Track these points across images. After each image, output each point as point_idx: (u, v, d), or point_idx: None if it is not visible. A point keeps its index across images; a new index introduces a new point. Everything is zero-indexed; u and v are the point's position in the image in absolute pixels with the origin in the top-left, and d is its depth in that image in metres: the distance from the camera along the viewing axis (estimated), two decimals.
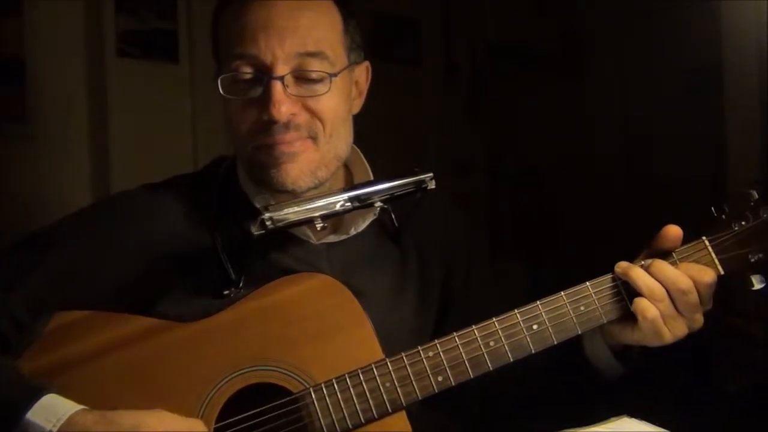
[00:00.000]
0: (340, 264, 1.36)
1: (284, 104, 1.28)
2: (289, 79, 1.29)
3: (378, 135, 1.45)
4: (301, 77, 1.31)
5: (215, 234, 1.32)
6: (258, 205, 1.32)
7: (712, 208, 1.34)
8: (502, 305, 1.32)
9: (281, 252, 1.35)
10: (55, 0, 2.19)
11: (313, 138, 1.32)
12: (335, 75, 1.33)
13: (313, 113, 1.32)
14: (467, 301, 1.47)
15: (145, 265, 1.31)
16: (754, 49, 2.33)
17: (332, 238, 1.38)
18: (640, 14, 2.70)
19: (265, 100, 1.28)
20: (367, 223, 1.39)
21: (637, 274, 1.27)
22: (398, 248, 1.43)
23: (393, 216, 1.37)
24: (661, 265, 1.27)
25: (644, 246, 1.36)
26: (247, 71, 1.30)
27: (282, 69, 1.28)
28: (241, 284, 1.29)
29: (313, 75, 1.31)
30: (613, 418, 1.21)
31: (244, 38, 1.30)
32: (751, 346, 1.84)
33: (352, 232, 1.38)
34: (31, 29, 2.14)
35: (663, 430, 1.19)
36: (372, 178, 1.41)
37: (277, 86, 1.28)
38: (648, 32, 2.68)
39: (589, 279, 1.32)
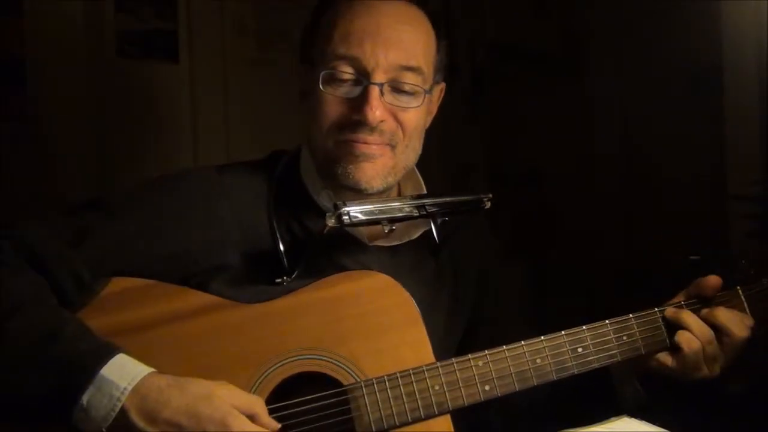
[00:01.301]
0: (387, 268, 1.40)
1: (379, 109, 1.35)
2: (386, 87, 1.36)
3: None
4: (397, 88, 1.38)
5: (274, 222, 1.36)
6: (328, 201, 1.38)
7: (743, 261, 1.45)
8: (530, 324, 1.37)
9: (336, 249, 1.39)
10: (55, 0, 2.19)
11: (392, 146, 1.39)
12: (429, 92, 1.42)
13: (399, 123, 1.39)
14: (497, 322, 1.52)
15: (204, 243, 1.35)
16: (754, 49, 2.33)
17: (383, 242, 1.42)
18: (640, 14, 2.69)
19: (361, 102, 1.35)
20: (419, 233, 1.44)
21: (689, 317, 1.37)
22: (435, 263, 1.47)
23: (435, 231, 1.40)
24: (727, 312, 1.37)
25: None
26: (348, 72, 1.37)
27: (381, 77, 1.36)
28: (294, 275, 1.33)
29: (407, 87, 1.39)
30: (613, 418, 1.22)
31: (350, 41, 1.36)
32: (751, 346, 1.84)
33: (405, 239, 1.43)
34: (31, 29, 2.14)
35: (663, 430, 1.20)
36: (425, 191, 1.48)
37: (375, 91, 1.35)
38: (648, 32, 2.68)
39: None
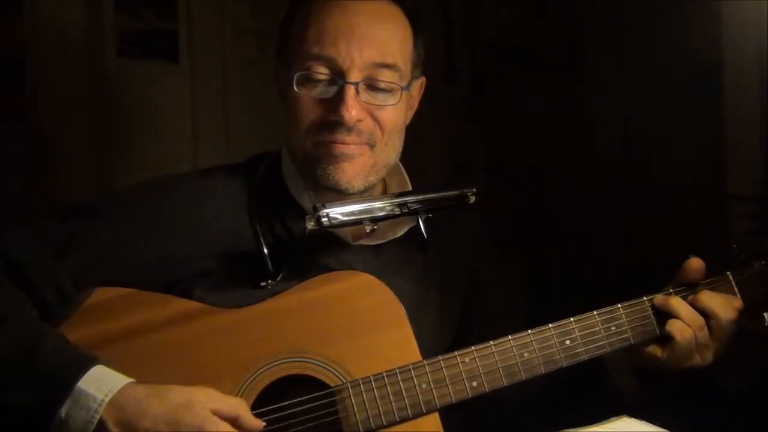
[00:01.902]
0: (373, 267, 1.39)
1: (355, 108, 1.34)
2: (361, 86, 1.35)
3: None
4: (373, 86, 1.36)
5: (256, 226, 1.35)
6: (309, 203, 1.36)
7: (734, 246, 1.43)
8: (521, 319, 1.36)
9: (320, 250, 1.39)
10: (55, 0, 2.19)
11: (371, 145, 1.37)
12: (406, 88, 1.40)
13: (377, 121, 1.37)
14: (488, 316, 1.51)
15: (187, 249, 1.34)
16: (754, 49, 2.33)
17: (367, 241, 1.41)
18: (640, 14, 2.69)
19: (337, 102, 1.34)
20: (404, 230, 1.43)
21: (679, 303, 1.35)
22: (423, 259, 1.46)
23: (422, 227, 1.40)
24: (711, 295, 1.36)
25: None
26: (323, 72, 1.35)
27: (356, 75, 1.34)
28: (278, 278, 1.32)
29: (383, 85, 1.37)
30: (613, 418, 1.22)
31: (323, 40, 1.35)
32: (751, 345, 1.84)
33: (390, 237, 1.42)
34: (31, 29, 2.14)
35: (663, 430, 1.20)
36: (410, 187, 1.46)
37: (351, 90, 1.34)
38: (648, 32, 2.68)
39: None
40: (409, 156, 1.54)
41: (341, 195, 1.36)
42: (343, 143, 1.35)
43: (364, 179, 1.38)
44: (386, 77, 1.37)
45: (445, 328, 1.47)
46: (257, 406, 1.25)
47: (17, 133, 2.14)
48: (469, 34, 3.28)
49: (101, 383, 1.15)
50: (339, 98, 1.34)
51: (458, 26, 3.28)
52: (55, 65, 2.20)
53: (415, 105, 1.50)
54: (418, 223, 1.36)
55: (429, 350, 1.34)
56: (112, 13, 2.29)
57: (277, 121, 1.50)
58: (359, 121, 1.35)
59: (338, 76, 1.34)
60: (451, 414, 1.34)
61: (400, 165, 1.49)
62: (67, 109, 2.25)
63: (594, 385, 1.41)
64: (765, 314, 1.38)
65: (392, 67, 1.37)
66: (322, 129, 1.36)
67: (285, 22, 1.44)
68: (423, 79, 1.49)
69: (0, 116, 2.11)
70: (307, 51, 1.36)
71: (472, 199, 1.37)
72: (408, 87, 1.40)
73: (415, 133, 1.53)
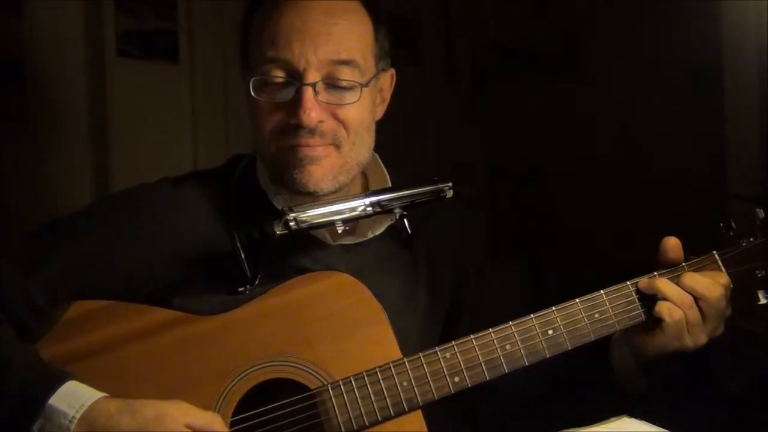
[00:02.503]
0: (354, 266, 1.37)
1: (314, 110, 1.31)
2: (320, 86, 1.32)
3: (377, 135, 1.46)
4: (332, 84, 1.33)
5: (233, 231, 1.33)
6: (279, 206, 1.34)
7: (721, 224, 1.38)
8: (511, 312, 1.34)
9: (298, 252, 1.37)
10: (55, 0, 2.19)
11: (337, 146, 1.35)
12: (365, 85, 1.35)
13: (340, 121, 1.34)
14: (477, 311, 1.49)
15: (163, 258, 1.33)
16: (754, 49, 2.33)
17: (348, 241, 1.40)
18: (640, 14, 2.70)
19: (295, 105, 1.31)
20: (384, 228, 1.41)
21: (665, 284, 1.31)
22: (410, 254, 1.45)
23: (406, 223, 1.38)
24: (693, 276, 1.32)
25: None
26: (279, 75, 1.32)
27: (314, 75, 1.31)
28: (256, 282, 1.31)
29: (344, 83, 1.33)
30: (613, 418, 1.21)
31: (277, 42, 1.32)
32: (751, 345, 1.84)
33: (369, 235, 1.41)
34: (31, 29, 2.14)
35: (663, 430, 1.19)
36: (390, 184, 1.44)
37: (309, 92, 1.30)
38: (648, 32, 2.68)
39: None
40: (409, 156, 1.53)
41: (314, 197, 1.34)
42: (307, 146, 1.32)
43: (333, 180, 1.35)
44: (344, 75, 1.33)
45: (434, 324, 1.45)
46: (238, 412, 1.24)
47: (17, 133, 2.14)
48: (469, 34, 3.28)
49: (72, 399, 1.15)
50: (297, 101, 1.31)
51: (458, 26, 3.28)
52: (55, 65, 2.20)
53: (387, 98, 1.46)
54: (402, 219, 1.35)
55: (417, 347, 1.32)
56: (112, 13, 2.28)
57: None
58: (320, 122, 1.32)
59: (294, 78, 1.31)
60: (450, 409, 1.33)
61: (379, 161, 1.47)
62: (67, 109, 2.24)
63: (598, 379, 1.39)
64: (759, 292, 1.35)
65: (350, 63, 1.33)
66: (284, 133, 1.33)
67: (243, 26, 1.42)
68: (392, 71, 1.45)
69: (0, 116, 2.11)
70: (263, 54, 1.32)
71: (449, 193, 1.34)
72: (367, 84, 1.36)
73: (415, 133, 1.53)
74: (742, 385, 1.89)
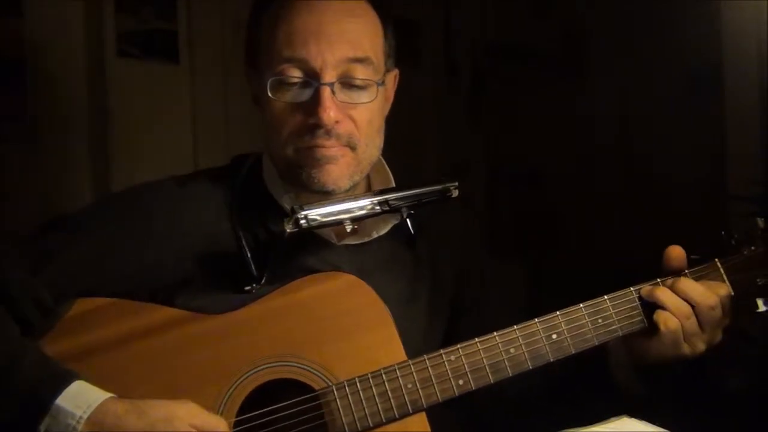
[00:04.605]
0: (358, 266, 1.38)
1: (333, 110, 1.31)
2: (336, 86, 1.32)
3: None
4: (347, 84, 1.34)
5: (238, 230, 1.34)
6: (289, 205, 1.35)
7: (723, 233, 1.40)
8: (512, 313, 1.34)
9: (303, 251, 1.37)
10: (55, 0, 2.19)
11: (352, 147, 1.35)
12: (381, 83, 1.37)
13: (355, 122, 1.35)
14: (479, 310, 1.49)
15: (169, 256, 1.33)
16: (754, 49, 2.34)
17: (353, 240, 1.40)
18: (640, 14, 2.70)
19: (314, 105, 1.32)
20: (388, 227, 1.41)
21: (664, 293, 1.32)
22: (412, 254, 1.45)
23: (409, 222, 1.38)
24: (689, 282, 1.33)
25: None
26: (296, 75, 1.33)
27: (330, 75, 1.32)
28: (262, 281, 1.31)
29: (359, 82, 1.34)
30: (613, 418, 1.21)
31: (294, 42, 1.32)
32: (750, 345, 1.84)
33: (374, 235, 1.41)
34: (31, 29, 2.14)
35: (663, 430, 1.19)
36: (393, 184, 1.44)
37: (327, 92, 1.31)
38: (648, 32, 2.68)
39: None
40: (410, 156, 1.53)
41: (325, 195, 1.35)
42: (323, 146, 1.33)
43: (350, 179, 1.36)
44: (361, 73, 1.34)
45: (437, 324, 1.45)
46: (242, 412, 1.24)
47: (17, 134, 2.14)
48: (469, 34, 3.28)
49: (79, 399, 1.15)
50: (315, 100, 1.32)
51: (458, 26, 3.28)
52: (55, 65, 2.20)
53: (391, 97, 1.47)
54: (405, 219, 1.35)
55: (420, 347, 1.33)
56: (112, 13, 2.28)
57: None
58: (337, 123, 1.33)
59: (312, 78, 1.32)
60: (450, 411, 1.33)
61: (383, 161, 1.47)
62: (67, 109, 2.24)
63: (596, 380, 1.39)
64: (758, 300, 1.36)
65: (365, 61, 1.35)
66: (302, 134, 1.34)
67: (251, 27, 1.42)
68: (396, 71, 1.46)
69: (0, 116, 2.11)
70: (278, 54, 1.33)
71: (455, 193, 1.35)
72: (383, 82, 1.38)
73: (415, 133, 1.53)
74: (742, 385, 1.89)
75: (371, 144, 1.38)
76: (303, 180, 1.35)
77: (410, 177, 1.47)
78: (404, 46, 1.45)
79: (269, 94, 1.34)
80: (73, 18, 2.25)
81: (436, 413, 1.31)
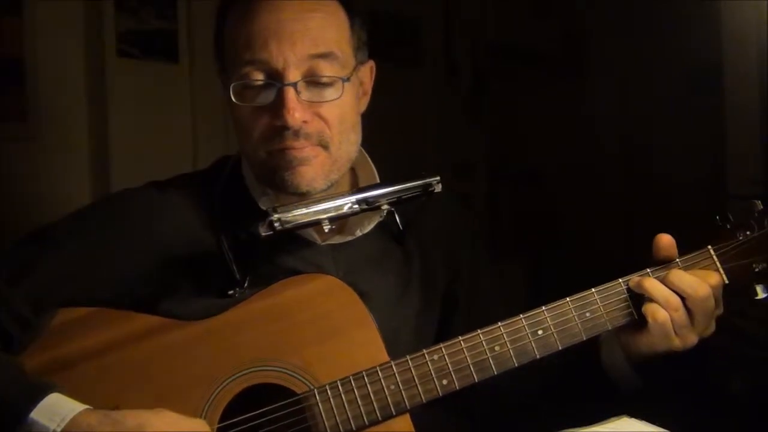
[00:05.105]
0: (344, 265, 1.36)
1: (298, 110, 1.28)
2: (300, 85, 1.29)
3: (378, 135, 1.45)
4: (312, 82, 1.30)
5: (220, 234, 1.32)
6: (264, 207, 1.32)
7: (717, 217, 1.34)
8: (506, 309, 1.32)
9: (286, 253, 1.35)
10: (55, 0, 2.19)
11: (324, 146, 1.32)
12: (347, 79, 1.33)
13: (323, 119, 1.32)
14: (471, 305, 1.47)
15: (149, 264, 1.31)
16: (754, 49, 2.33)
17: (337, 239, 1.38)
18: (640, 14, 2.70)
19: (278, 107, 1.28)
20: (372, 225, 1.39)
21: (652, 284, 1.28)
22: (402, 250, 1.43)
23: (397, 218, 1.36)
24: (679, 274, 1.28)
25: (643, 255, 1.37)
26: (259, 78, 1.30)
27: (294, 74, 1.29)
28: (245, 284, 1.29)
29: (324, 80, 1.31)
30: (613, 418, 1.20)
31: (253, 43, 1.29)
32: (751, 346, 1.84)
33: (358, 233, 1.39)
34: (31, 29, 2.14)
35: (663, 430, 1.19)
36: (378, 180, 1.41)
37: (290, 92, 1.28)
38: (648, 32, 2.68)
39: (588, 279, 1.32)
40: (410, 156, 1.52)
41: (303, 196, 1.32)
42: (293, 148, 1.30)
43: (326, 178, 1.33)
44: (325, 70, 1.30)
45: (428, 320, 1.43)
46: (225, 419, 1.23)
47: (17, 134, 2.14)
48: (469, 34, 3.28)
49: (53, 413, 1.13)
50: (279, 102, 1.28)
51: (458, 26, 3.28)
52: (55, 65, 2.20)
53: (369, 90, 1.43)
54: (392, 215, 1.33)
55: (411, 344, 1.32)
56: (112, 13, 2.28)
57: None
58: (305, 122, 1.30)
59: (275, 79, 1.28)
60: (444, 411, 1.32)
61: (367, 157, 1.44)
62: (67, 109, 2.25)
63: (590, 376, 1.37)
64: (757, 286, 1.30)
65: (329, 56, 1.31)
66: (271, 137, 1.31)
67: (216, 30, 1.39)
68: (371, 63, 1.42)
69: (0, 116, 2.11)
70: (240, 57, 1.30)
71: (438, 188, 1.31)
72: (348, 78, 1.33)
73: (415, 133, 1.53)
74: (742, 385, 1.89)
75: (345, 141, 1.35)
76: (277, 182, 1.32)
77: (410, 177, 1.46)
78: (404, 46, 1.43)
79: (233, 99, 1.31)
80: (73, 18, 2.25)
81: (431, 414, 1.30)
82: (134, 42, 2.34)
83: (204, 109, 2.46)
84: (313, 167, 1.32)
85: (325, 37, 1.31)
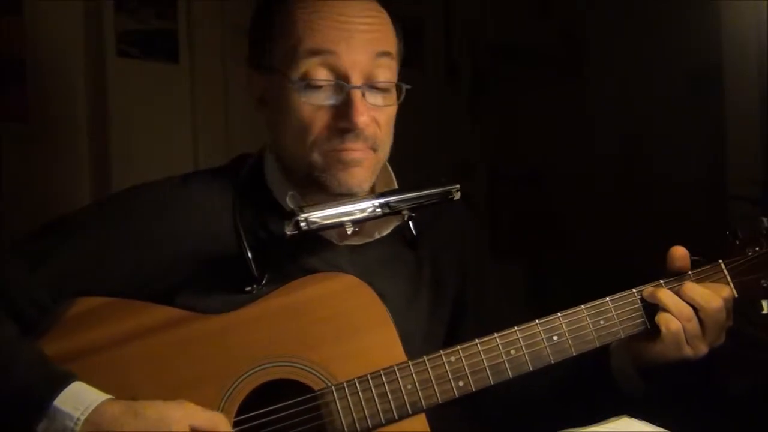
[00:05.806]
0: (360, 267, 1.37)
1: (365, 114, 1.31)
2: (365, 88, 1.32)
3: None
4: (373, 86, 1.34)
5: (239, 230, 1.33)
6: (292, 204, 1.32)
7: (727, 233, 1.39)
8: (511, 311, 1.34)
9: (305, 252, 1.36)
10: (55, 0, 2.19)
11: (374, 149, 1.35)
12: (397, 85, 1.37)
13: (378, 124, 1.35)
14: (479, 309, 1.49)
15: (167, 257, 1.32)
16: (754, 49, 2.34)
17: (355, 241, 1.40)
18: (640, 14, 2.70)
19: (346, 108, 1.31)
20: (390, 228, 1.41)
21: (666, 295, 1.32)
22: (414, 255, 1.44)
23: (411, 224, 1.38)
24: (693, 286, 1.32)
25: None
26: (324, 77, 1.32)
27: (359, 77, 1.31)
28: (263, 282, 1.30)
29: (382, 85, 1.34)
30: (613, 418, 1.21)
31: (317, 34, 1.31)
32: (751, 347, 1.84)
33: (376, 236, 1.41)
34: (31, 29, 2.14)
35: (663, 430, 1.19)
36: (396, 185, 1.44)
37: (358, 95, 1.31)
38: (648, 32, 2.68)
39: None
40: (410, 156, 1.53)
41: (330, 197, 1.34)
42: (351, 149, 1.32)
43: (370, 181, 1.37)
44: (384, 74, 1.34)
45: (438, 325, 1.45)
46: (242, 412, 1.24)
47: (17, 133, 2.14)
48: (469, 34, 3.28)
49: (77, 401, 1.15)
50: (348, 104, 1.30)
51: (458, 26, 3.28)
52: (55, 65, 2.20)
53: None
54: (407, 221, 1.34)
55: (421, 347, 1.33)
56: (112, 13, 2.28)
57: None
58: (366, 126, 1.33)
59: (342, 80, 1.31)
60: (452, 411, 1.33)
61: (387, 163, 1.46)
62: (67, 109, 2.25)
63: (598, 381, 1.39)
64: (763, 301, 1.35)
65: (389, 55, 1.35)
66: (329, 137, 1.32)
67: (258, 26, 1.40)
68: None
69: (0, 116, 2.11)
70: (304, 47, 1.31)
71: (457, 195, 1.34)
72: (401, 83, 1.38)
73: (415, 133, 1.53)
74: (744, 387, 1.89)
75: (388, 145, 1.39)
76: (326, 183, 1.34)
77: (410, 177, 1.47)
78: (404, 46, 1.44)
79: (296, 96, 1.32)
80: (73, 18, 2.25)
81: (438, 413, 1.31)
82: (134, 42, 2.34)
83: (204, 109, 2.46)
84: (364, 169, 1.35)
85: (388, 38, 1.36)
